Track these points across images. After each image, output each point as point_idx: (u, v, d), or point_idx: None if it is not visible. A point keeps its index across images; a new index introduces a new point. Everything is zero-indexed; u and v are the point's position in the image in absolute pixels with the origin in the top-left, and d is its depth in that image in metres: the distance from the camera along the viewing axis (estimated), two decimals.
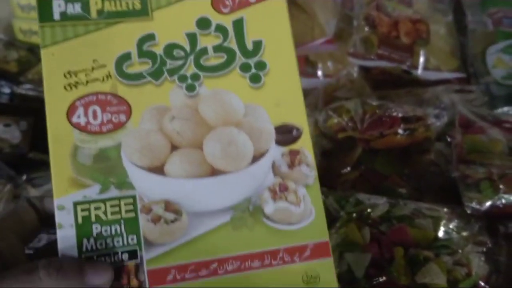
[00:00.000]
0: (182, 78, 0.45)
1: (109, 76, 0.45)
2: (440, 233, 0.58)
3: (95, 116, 0.44)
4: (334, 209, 0.62)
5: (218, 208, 0.44)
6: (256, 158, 0.45)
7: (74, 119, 0.44)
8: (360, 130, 0.72)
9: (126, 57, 0.45)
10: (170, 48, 0.46)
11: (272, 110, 0.46)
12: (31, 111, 0.94)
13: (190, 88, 0.45)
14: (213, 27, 0.47)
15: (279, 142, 0.45)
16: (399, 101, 0.91)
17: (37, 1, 0.45)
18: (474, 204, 0.61)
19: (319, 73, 0.99)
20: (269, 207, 0.44)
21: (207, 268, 0.42)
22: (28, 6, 1.06)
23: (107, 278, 0.40)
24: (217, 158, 0.44)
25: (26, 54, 1.06)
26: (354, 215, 0.60)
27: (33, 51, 1.07)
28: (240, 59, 0.46)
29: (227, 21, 0.47)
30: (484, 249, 0.57)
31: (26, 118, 0.93)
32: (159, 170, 0.44)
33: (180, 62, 0.46)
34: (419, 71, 0.97)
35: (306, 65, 1.00)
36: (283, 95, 0.46)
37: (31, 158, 0.90)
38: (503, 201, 0.61)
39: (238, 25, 0.47)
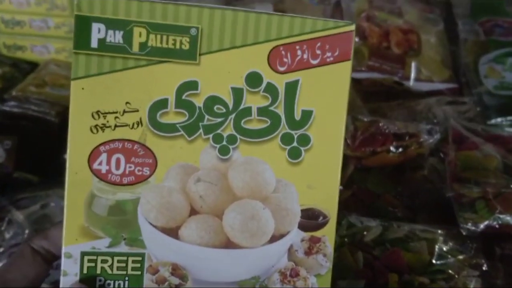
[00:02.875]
0: (218, 138, 0.41)
1: (140, 123, 0.40)
2: (435, 257, 0.57)
3: (118, 165, 0.41)
4: None
5: (225, 281, 0.42)
6: (275, 238, 0.42)
7: (95, 166, 0.40)
8: (352, 147, 0.71)
9: (162, 104, 0.40)
10: (211, 102, 0.41)
11: (303, 191, 0.41)
12: (16, 129, 0.92)
13: (224, 151, 0.41)
14: (263, 86, 0.41)
15: (302, 227, 0.42)
16: (391, 114, 0.90)
17: (76, 24, 0.39)
18: (469, 225, 0.59)
19: None
20: None
21: None
22: (12, 21, 1.04)
23: None
24: (235, 230, 0.41)
25: (10, 70, 1.04)
26: (346, 239, 0.59)
27: (18, 66, 1.05)
28: (284, 128, 0.41)
29: (280, 81, 0.41)
30: (481, 273, 0.56)
31: (10, 137, 0.91)
32: (173, 232, 0.41)
33: (219, 120, 0.41)
34: (411, 82, 0.96)
35: None
36: (319, 177, 0.41)
37: (16, 178, 0.87)
38: (499, 221, 0.59)
39: (292, 88, 0.41)
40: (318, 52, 0.41)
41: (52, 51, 1.05)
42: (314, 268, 0.42)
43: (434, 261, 0.56)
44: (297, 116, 0.41)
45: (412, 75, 0.95)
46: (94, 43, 0.40)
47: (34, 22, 1.04)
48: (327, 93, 0.41)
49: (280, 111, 0.41)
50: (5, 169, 0.87)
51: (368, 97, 0.99)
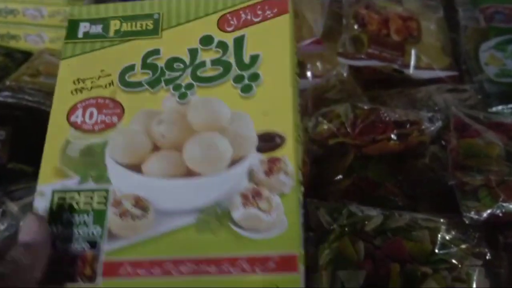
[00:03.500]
0: (177, 87, 0.49)
1: (111, 83, 0.50)
2: (438, 246, 0.55)
3: (91, 116, 0.49)
4: (326, 222, 0.59)
5: (186, 209, 0.45)
6: (233, 163, 0.46)
7: (72, 119, 0.49)
8: (352, 135, 0.69)
9: (130, 68, 0.51)
10: (171, 61, 0.50)
11: (258, 119, 0.47)
12: (10, 120, 0.90)
13: (182, 96, 0.49)
14: (214, 44, 0.51)
15: (260, 149, 0.46)
16: (391, 102, 0.88)
17: (68, 25, 0.54)
18: (472, 214, 0.58)
19: (308, 73, 0.96)
20: (238, 213, 0.44)
21: (160, 267, 0.43)
22: (5, 9, 1.02)
23: None
24: (195, 160, 0.46)
25: (3, 60, 1.02)
26: (347, 228, 0.57)
27: (12, 56, 1.03)
28: (235, 71, 0.49)
29: (229, 38, 0.51)
30: (484, 262, 0.55)
31: (4, 127, 0.89)
32: (136, 168, 0.47)
33: (178, 74, 0.50)
34: (411, 70, 0.94)
35: None
36: (271, 105, 0.47)
37: (10, 169, 0.86)
38: (503, 209, 0.58)
39: (239, 41, 0.51)
40: (259, 12, 0.52)
41: (46, 40, 1.04)
42: (277, 187, 0.44)
43: (436, 251, 0.55)
44: (246, 60, 0.49)
45: (412, 62, 0.94)
46: (80, 35, 0.53)
47: (27, 11, 1.03)
48: (271, 40, 0.50)
49: (231, 59, 0.50)
50: None
51: (368, 85, 0.98)
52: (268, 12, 0.51)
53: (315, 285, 0.54)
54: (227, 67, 0.49)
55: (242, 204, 0.44)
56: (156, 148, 0.47)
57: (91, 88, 0.50)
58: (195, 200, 0.45)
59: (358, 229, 0.58)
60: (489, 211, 0.58)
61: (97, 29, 0.53)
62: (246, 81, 0.48)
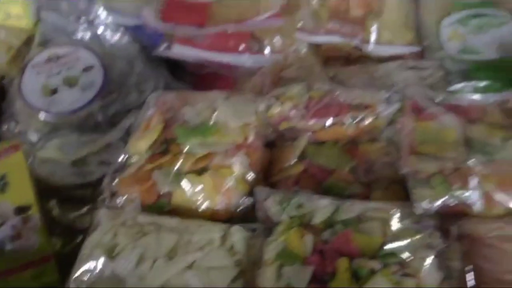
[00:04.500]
0: None
1: None
2: (388, 238, 0.53)
3: None
4: (275, 212, 0.57)
5: None
6: None
7: None
8: (305, 119, 0.66)
9: None
10: None
11: None
12: None
13: None
14: None
15: None
16: (349, 80, 0.85)
17: None
18: (425, 203, 0.56)
19: (266, 50, 0.92)
20: None
21: None
22: None
23: None
24: None
25: None
26: (295, 221, 0.55)
27: None
28: None
29: None
30: (437, 253, 0.53)
31: None
32: None
33: None
34: (371, 46, 0.91)
35: (252, 41, 0.93)
36: None
37: None
38: (456, 198, 0.56)
39: None
40: None
41: None
42: None
43: (387, 243, 0.53)
44: None
45: (372, 38, 0.91)
46: None
47: None
48: None
49: None
50: None
51: (328, 62, 0.94)
52: None
53: (259, 282, 0.52)
54: None
55: None
56: None
57: None
58: None
59: (307, 221, 0.55)
60: (442, 199, 0.56)
61: None
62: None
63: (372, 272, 0.50)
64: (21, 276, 0.64)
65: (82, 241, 0.60)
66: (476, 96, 0.86)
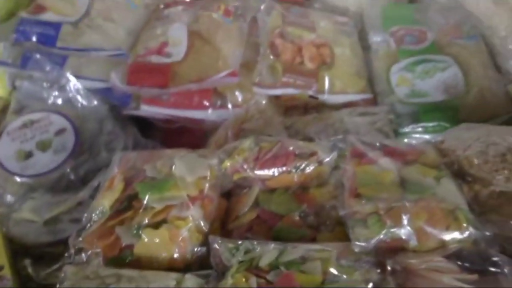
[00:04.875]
0: None
1: None
2: (329, 277, 0.58)
3: None
4: (226, 259, 0.61)
5: None
6: None
7: None
8: (256, 169, 0.71)
9: None
10: None
11: None
12: None
13: None
14: None
15: None
16: (305, 129, 0.91)
17: None
18: (361, 241, 0.61)
19: (229, 104, 0.98)
20: None
21: None
22: None
23: None
24: None
25: None
26: (244, 264, 0.59)
27: None
28: None
29: None
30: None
31: None
32: None
33: None
34: (325, 96, 0.97)
35: (215, 97, 0.99)
36: None
37: None
38: (390, 235, 0.61)
39: None
40: None
41: None
42: None
43: (326, 281, 0.57)
44: None
45: (326, 88, 0.97)
46: None
47: None
48: None
49: None
50: None
51: (287, 112, 1.00)
52: None
53: None
54: None
55: None
56: None
57: None
58: None
59: (255, 265, 0.60)
60: (377, 237, 0.61)
61: None
62: None
63: None
64: None
65: None
66: (426, 136, 0.92)
